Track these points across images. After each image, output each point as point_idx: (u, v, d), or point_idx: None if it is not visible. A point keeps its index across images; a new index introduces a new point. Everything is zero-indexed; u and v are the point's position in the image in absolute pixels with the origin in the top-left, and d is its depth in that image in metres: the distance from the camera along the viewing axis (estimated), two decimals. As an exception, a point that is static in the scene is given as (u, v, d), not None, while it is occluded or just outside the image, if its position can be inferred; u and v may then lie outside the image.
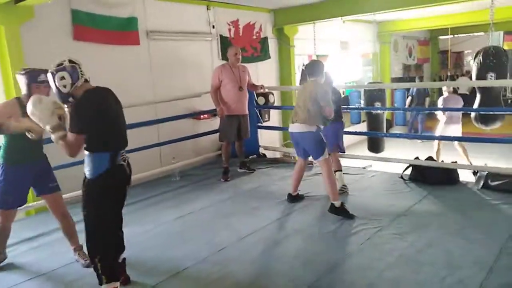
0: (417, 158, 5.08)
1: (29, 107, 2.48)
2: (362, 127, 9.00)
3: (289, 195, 4.38)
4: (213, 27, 6.79)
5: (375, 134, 7.52)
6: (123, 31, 5.49)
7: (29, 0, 4.19)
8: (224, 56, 6.45)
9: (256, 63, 7.52)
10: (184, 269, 3.04)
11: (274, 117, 7.78)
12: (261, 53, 7.78)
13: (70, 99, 2.51)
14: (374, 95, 7.35)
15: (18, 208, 3.27)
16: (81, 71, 2.52)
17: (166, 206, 4.48)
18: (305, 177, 4.58)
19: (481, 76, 5.85)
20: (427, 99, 11.28)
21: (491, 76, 5.78)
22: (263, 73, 7.48)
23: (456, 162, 5.03)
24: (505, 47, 11.61)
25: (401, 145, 8.52)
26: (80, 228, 3.32)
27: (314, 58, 8.05)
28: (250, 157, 6.18)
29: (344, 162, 4.98)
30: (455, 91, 8.27)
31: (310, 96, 3.92)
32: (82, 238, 3.17)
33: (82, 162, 2.53)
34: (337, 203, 3.89)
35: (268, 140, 7.18)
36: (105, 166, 2.50)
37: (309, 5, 7.32)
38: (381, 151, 7.50)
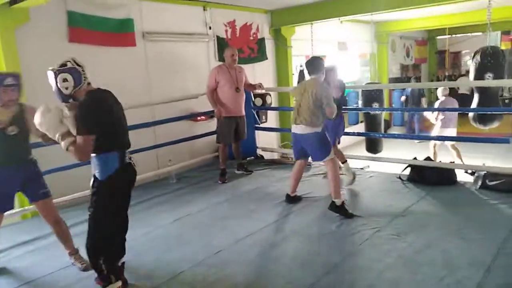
0: (415, 158, 5.08)
1: (38, 118, 2.44)
2: (360, 127, 8.99)
3: (287, 196, 4.35)
4: (210, 28, 6.78)
5: (373, 135, 7.51)
6: (119, 32, 5.47)
7: (24, 2, 4.12)
8: (221, 57, 6.45)
9: (253, 64, 7.51)
10: (180, 272, 3.02)
11: (272, 118, 7.76)
12: (258, 54, 7.76)
13: (71, 100, 2.51)
14: (372, 96, 7.34)
15: (4, 212, 3.14)
16: (84, 75, 2.51)
17: (163, 208, 4.45)
18: (303, 178, 4.55)
19: (479, 76, 5.86)
20: (424, 99, 11.27)
21: (489, 76, 5.78)
22: (260, 74, 7.45)
23: (453, 162, 5.02)
24: (503, 47, 11.67)
25: (399, 145, 8.50)
26: (75, 232, 3.33)
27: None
28: (248, 158, 6.15)
29: (342, 162, 4.96)
30: (453, 92, 8.26)
31: (313, 95, 3.86)
32: (77, 242, 3.17)
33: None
34: (338, 201, 3.87)
35: (266, 141, 7.16)
36: (115, 166, 2.53)
37: (306, 6, 7.31)
38: (379, 151, 7.48)
